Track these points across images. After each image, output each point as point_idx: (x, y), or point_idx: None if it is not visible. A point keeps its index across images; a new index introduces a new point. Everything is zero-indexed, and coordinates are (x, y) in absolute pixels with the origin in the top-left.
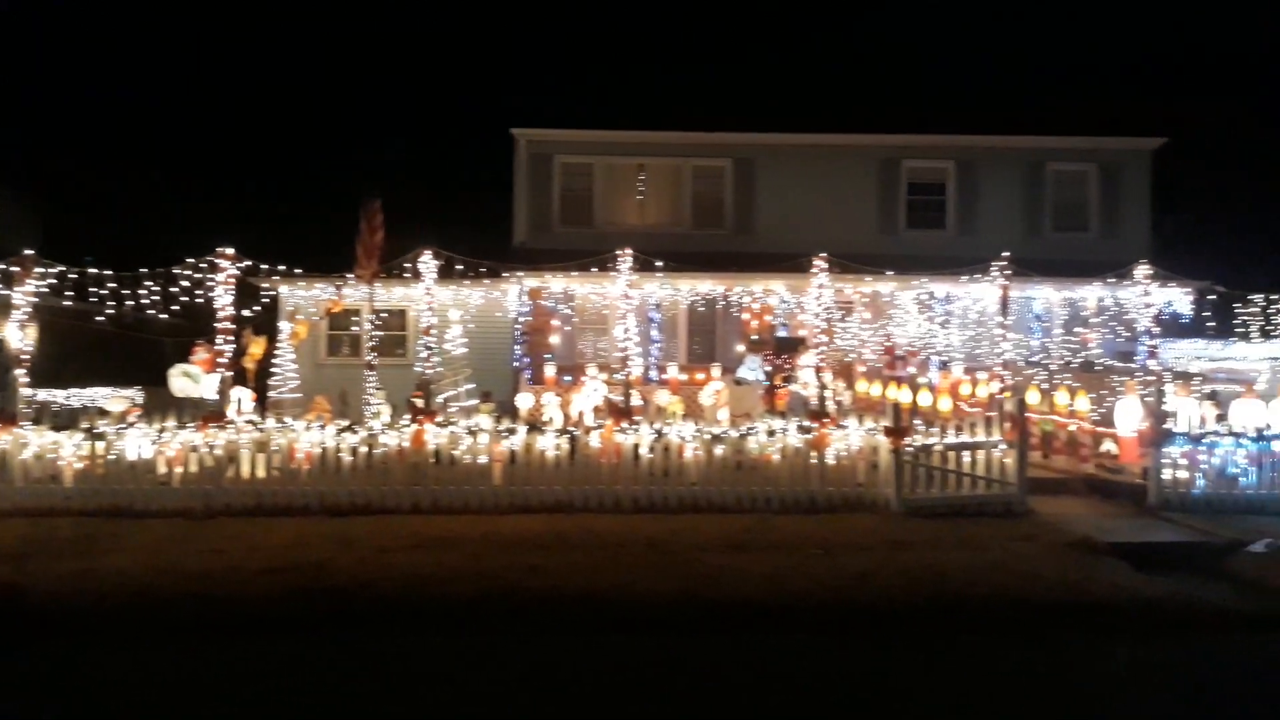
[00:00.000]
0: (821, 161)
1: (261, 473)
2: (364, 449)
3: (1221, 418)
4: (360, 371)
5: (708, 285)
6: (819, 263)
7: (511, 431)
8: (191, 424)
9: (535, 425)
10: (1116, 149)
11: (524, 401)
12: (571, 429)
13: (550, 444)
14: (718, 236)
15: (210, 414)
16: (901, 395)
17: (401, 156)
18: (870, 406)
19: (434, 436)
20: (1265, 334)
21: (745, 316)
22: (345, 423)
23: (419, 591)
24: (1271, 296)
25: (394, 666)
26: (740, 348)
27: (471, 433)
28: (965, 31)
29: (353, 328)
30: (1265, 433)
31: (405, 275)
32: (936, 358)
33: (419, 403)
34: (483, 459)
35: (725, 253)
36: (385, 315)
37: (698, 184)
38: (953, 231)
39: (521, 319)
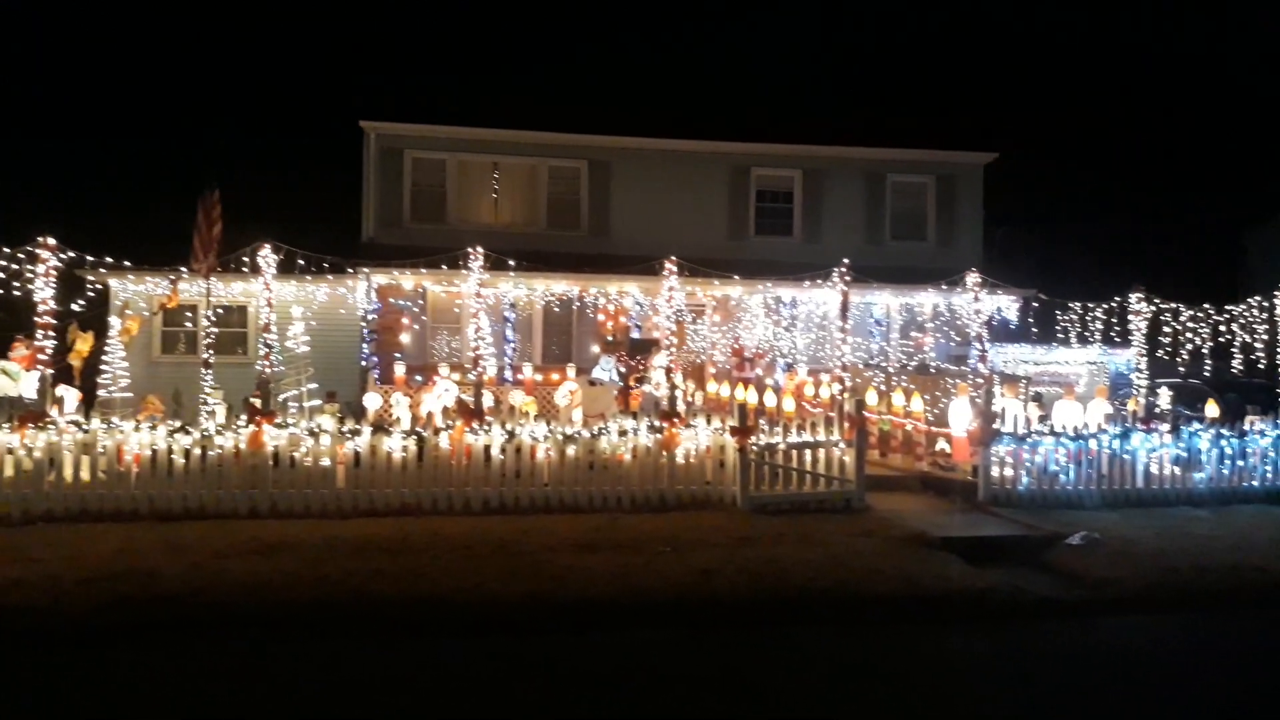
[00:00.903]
0: (675, 166)
1: (86, 476)
2: (198, 451)
3: (1044, 418)
4: (197, 370)
5: (563, 286)
6: (669, 265)
7: (356, 432)
8: (7, 424)
9: (382, 426)
10: (952, 163)
11: (372, 402)
12: (419, 430)
13: (397, 445)
14: (573, 237)
15: (29, 413)
16: (749, 396)
17: (245, 147)
18: (720, 407)
19: (272, 438)
20: (1082, 339)
21: (600, 318)
22: (178, 423)
23: (256, 598)
24: (1088, 304)
25: (225, 675)
26: (595, 348)
27: (313, 434)
28: (815, 44)
29: (188, 324)
30: (1082, 432)
31: (244, 270)
32: (783, 360)
33: (257, 403)
34: (326, 461)
35: (581, 254)
36: (224, 311)
37: (553, 184)
38: (799, 238)
39: (370, 317)
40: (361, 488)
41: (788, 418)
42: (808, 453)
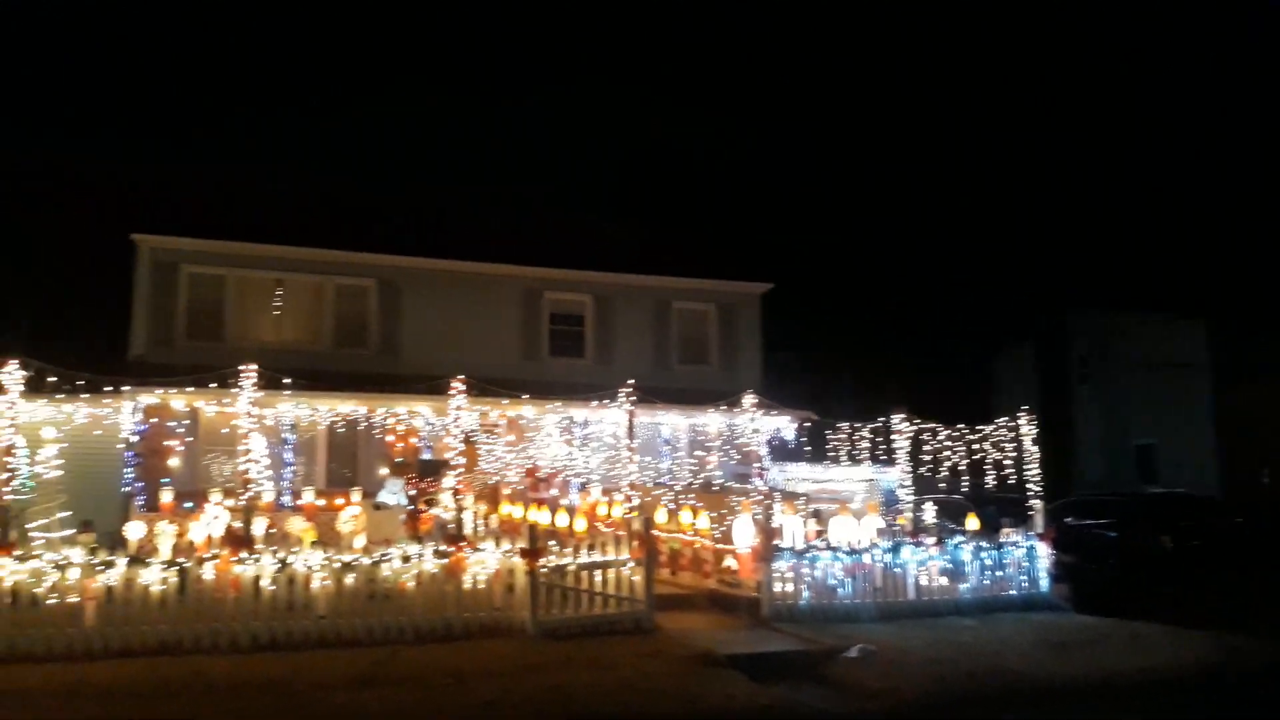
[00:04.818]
0: (467, 288)
1: None
2: None
3: (821, 533)
4: None
5: (349, 406)
6: (457, 384)
7: (109, 564)
8: None
9: (140, 557)
10: (731, 292)
11: (134, 531)
12: (181, 560)
13: (155, 577)
14: (361, 356)
15: None
16: (541, 516)
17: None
18: (514, 529)
19: (11, 572)
20: (852, 458)
21: (390, 439)
22: None
23: None
24: (856, 424)
25: None
26: (383, 471)
27: (59, 567)
28: (600, 164)
29: None
30: (857, 547)
31: None
32: (576, 479)
33: None
34: (75, 597)
35: (369, 373)
36: None
37: (341, 302)
38: (592, 360)
39: (134, 439)
40: (114, 625)
41: (579, 538)
42: (598, 573)
